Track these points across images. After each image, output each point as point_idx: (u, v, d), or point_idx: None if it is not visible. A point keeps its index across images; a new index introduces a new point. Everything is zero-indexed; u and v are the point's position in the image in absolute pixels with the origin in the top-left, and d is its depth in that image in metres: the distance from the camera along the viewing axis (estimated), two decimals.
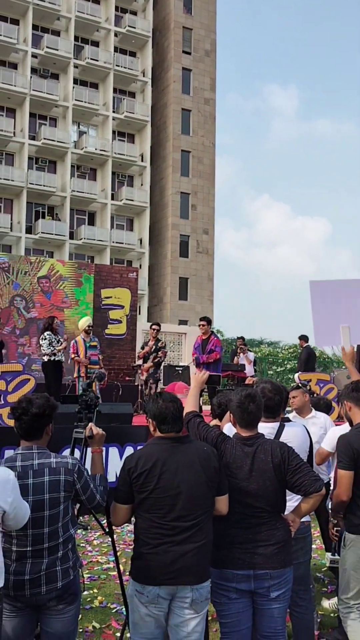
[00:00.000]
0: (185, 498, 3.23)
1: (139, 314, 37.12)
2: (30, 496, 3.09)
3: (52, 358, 11.16)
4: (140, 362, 12.77)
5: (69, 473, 3.22)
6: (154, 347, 12.38)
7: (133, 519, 3.39)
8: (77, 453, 3.91)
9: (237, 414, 3.54)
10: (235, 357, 15.03)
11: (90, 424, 3.71)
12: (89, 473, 3.40)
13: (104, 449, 4.47)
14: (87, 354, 11.46)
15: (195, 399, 4.01)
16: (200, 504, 3.27)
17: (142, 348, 12.65)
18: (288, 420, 4.17)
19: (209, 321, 11.52)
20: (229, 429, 3.80)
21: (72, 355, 11.57)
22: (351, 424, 4.31)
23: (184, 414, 3.72)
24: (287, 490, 3.54)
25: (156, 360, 12.33)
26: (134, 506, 3.32)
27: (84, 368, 11.37)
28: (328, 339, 5.21)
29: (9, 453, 6.60)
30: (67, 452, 3.92)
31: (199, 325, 11.51)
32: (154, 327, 12.85)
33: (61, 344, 11.39)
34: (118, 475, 3.46)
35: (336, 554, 4.74)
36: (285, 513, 3.58)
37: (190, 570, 3.22)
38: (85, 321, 11.86)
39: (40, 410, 3.21)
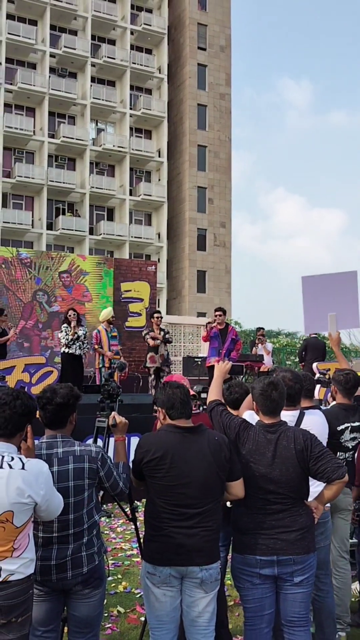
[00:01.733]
0: (195, 487, 3.28)
1: (158, 306, 37.71)
2: (55, 483, 3.11)
3: (67, 350, 11.06)
4: (150, 362, 11.97)
5: (93, 461, 3.26)
6: (161, 335, 11.92)
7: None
8: (99, 442, 3.92)
9: (259, 401, 3.57)
10: (254, 348, 15.08)
11: (113, 412, 3.74)
12: (112, 461, 3.42)
13: (126, 437, 4.87)
14: (109, 344, 11.48)
15: (219, 388, 4.00)
16: (209, 493, 3.32)
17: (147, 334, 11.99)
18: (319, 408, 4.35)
19: (224, 311, 11.49)
20: (250, 416, 3.82)
21: (95, 346, 11.59)
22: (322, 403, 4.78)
23: (208, 402, 3.91)
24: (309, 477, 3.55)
25: (166, 350, 11.94)
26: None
27: (107, 359, 11.36)
28: (316, 325, 5.59)
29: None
30: (90, 441, 3.86)
31: (216, 316, 11.37)
32: (156, 315, 12.25)
33: (77, 337, 11.21)
34: (133, 454, 3.51)
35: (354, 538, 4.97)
36: (309, 500, 3.61)
37: (199, 552, 3.28)
38: (108, 312, 11.86)
39: (64, 399, 3.26)
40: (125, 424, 3.68)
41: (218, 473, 3.36)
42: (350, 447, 4.62)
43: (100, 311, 12.97)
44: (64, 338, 11.10)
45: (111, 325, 11.73)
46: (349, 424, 4.56)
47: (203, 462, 3.30)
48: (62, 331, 11.18)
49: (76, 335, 11.14)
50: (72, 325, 11.20)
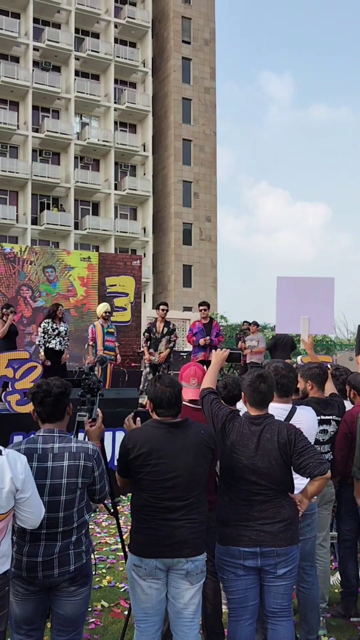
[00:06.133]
0: (181, 481, 3.30)
1: (144, 301, 37.71)
2: (48, 479, 3.11)
3: (47, 346, 10.94)
4: (145, 349, 11.71)
5: (89, 459, 3.23)
6: (165, 329, 11.38)
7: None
8: (80, 437, 3.91)
9: (247, 392, 3.58)
10: (240, 342, 14.90)
11: (96, 408, 3.74)
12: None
13: (111, 433, 4.82)
14: (104, 340, 11.34)
15: (214, 376, 4.00)
16: (194, 487, 3.35)
17: (149, 332, 11.50)
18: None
19: (208, 306, 11.48)
20: (242, 407, 3.86)
21: (90, 343, 11.48)
22: (305, 397, 4.78)
23: (201, 389, 3.91)
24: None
25: (170, 344, 11.40)
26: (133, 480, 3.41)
27: (100, 354, 11.05)
28: (288, 326, 5.68)
29: (17, 439, 6.55)
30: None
31: (200, 310, 11.31)
32: (162, 307, 11.58)
33: (58, 332, 11.09)
34: (118, 451, 3.52)
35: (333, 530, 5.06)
36: (295, 493, 3.62)
37: (185, 544, 3.31)
38: (102, 307, 11.72)
39: (62, 389, 3.24)
40: (102, 430, 3.71)
41: (204, 465, 3.40)
42: (321, 440, 4.67)
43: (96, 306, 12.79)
44: (40, 336, 11.00)
45: (107, 321, 11.60)
46: (320, 417, 4.61)
47: (188, 457, 3.32)
48: (41, 326, 11.05)
49: (57, 331, 11.09)
50: (56, 320, 11.12)
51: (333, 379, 5.28)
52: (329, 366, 5.71)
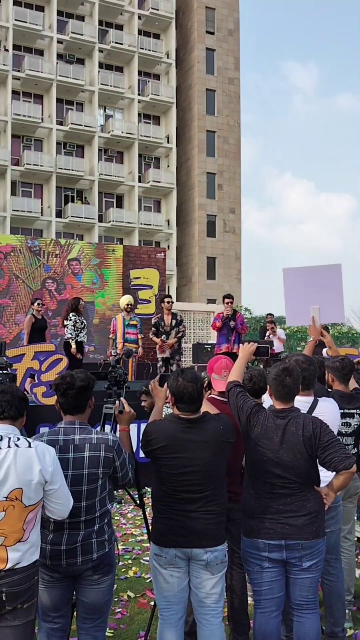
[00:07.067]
0: (198, 475, 3.36)
1: (168, 293, 37.68)
2: (69, 470, 3.17)
3: (76, 339, 11.16)
4: (155, 338, 11.68)
5: (109, 450, 3.28)
6: (173, 322, 11.52)
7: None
8: (107, 429, 3.93)
9: (273, 386, 3.60)
10: (266, 337, 14.63)
11: (121, 398, 3.76)
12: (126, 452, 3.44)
13: (136, 425, 4.83)
14: (124, 332, 11.47)
15: (241, 370, 4.00)
16: (211, 480, 3.41)
17: (156, 327, 11.56)
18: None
19: (233, 298, 11.63)
20: (267, 400, 3.89)
21: (111, 335, 11.67)
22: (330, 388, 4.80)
23: (227, 382, 3.92)
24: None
25: (179, 334, 11.59)
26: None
27: (120, 346, 11.34)
28: (298, 318, 5.57)
29: (43, 430, 7.08)
30: (97, 429, 3.79)
31: (227, 303, 11.38)
32: (167, 300, 11.72)
33: (84, 325, 11.37)
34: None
35: None
36: (321, 486, 3.62)
37: (203, 534, 3.37)
38: (124, 300, 11.86)
39: (84, 383, 3.28)
40: (132, 415, 3.70)
41: (223, 460, 3.46)
42: (344, 432, 4.65)
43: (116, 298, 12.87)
44: (72, 330, 11.19)
45: (130, 314, 11.65)
46: (343, 410, 4.59)
47: (205, 452, 3.37)
48: (70, 319, 11.19)
49: (83, 324, 11.38)
50: (79, 314, 11.37)
51: (355, 373, 5.26)
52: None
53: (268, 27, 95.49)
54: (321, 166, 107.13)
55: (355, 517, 5.67)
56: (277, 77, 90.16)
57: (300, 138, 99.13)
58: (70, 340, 11.19)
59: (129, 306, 11.63)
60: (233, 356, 4.29)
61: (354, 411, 4.69)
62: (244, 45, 79.25)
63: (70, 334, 11.17)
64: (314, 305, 5.20)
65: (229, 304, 11.39)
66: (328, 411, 4.03)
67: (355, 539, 5.65)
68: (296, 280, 5.38)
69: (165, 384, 3.66)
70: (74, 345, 11.10)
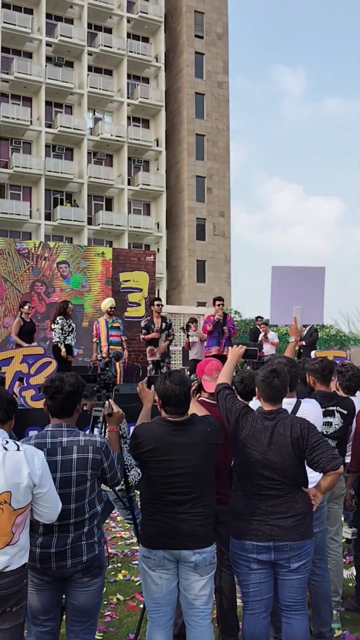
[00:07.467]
0: (187, 478, 3.37)
1: (158, 296, 37.60)
2: (58, 473, 3.17)
3: (64, 342, 11.16)
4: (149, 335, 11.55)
5: (97, 451, 3.27)
6: (163, 325, 11.53)
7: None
8: (95, 432, 3.95)
9: (261, 387, 3.61)
10: (260, 340, 14.65)
11: (109, 401, 3.74)
12: (114, 452, 3.44)
13: (126, 428, 4.85)
14: (108, 335, 11.43)
15: (230, 372, 4.02)
16: (199, 482, 3.42)
17: (147, 329, 11.47)
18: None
19: (223, 301, 11.69)
20: (255, 404, 3.91)
21: (94, 339, 11.62)
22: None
23: (216, 384, 3.93)
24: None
25: (170, 337, 11.58)
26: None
27: (105, 349, 11.32)
28: (281, 317, 5.54)
29: (32, 434, 7.18)
30: (87, 432, 3.74)
31: (219, 305, 11.42)
32: (157, 303, 11.71)
33: (72, 328, 11.37)
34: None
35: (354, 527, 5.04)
36: (309, 487, 3.64)
37: (191, 536, 3.37)
38: (107, 302, 11.80)
39: (73, 387, 3.28)
40: (122, 416, 3.70)
41: (211, 462, 3.46)
42: (325, 432, 4.66)
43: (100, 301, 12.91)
44: (59, 333, 11.18)
45: (113, 317, 11.66)
46: (325, 408, 4.62)
47: (192, 455, 3.38)
48: (57, 323, 11.19)
49: (72, 327, 11.38)
50: (67, 317, 11.37)
51: (339, 375, 5.28)
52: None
53: (257, 32, 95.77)
54: (310, 170, 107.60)
55: (343, 519, 5.71)
56: (266, 81, 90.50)
57: (289, 142, 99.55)
58: (58, 343, 11.18)
59: (113, 309, 11.63)
60: (223, 359, 4.30)
61: (334, 408, 4.72)
62: (233, 49, 79.49)
63: (58, 337, 11.16)
64: (297, 306, 5.22)
65: (220, 306, 11.41)
66: (311, 412, 4.04)
67: (344, 540, 5.71)
68: (283, 279, 5.37)
69: (153, 386, 3.68)
70: (63, 349, 11.09)
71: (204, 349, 13.27)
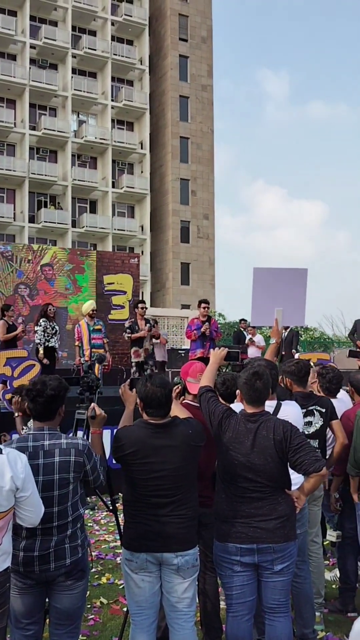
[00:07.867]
0: (167, 480, 3.38)
1: (142, 299, 37.60)
2: (40, 476, 3.16)
3: (46, 344, 11.15)
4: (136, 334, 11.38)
5: (79, 454, 3.28)
6: (147, 326, 11.38)
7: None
8: (79, 434, 3.93)
9: (244, 390, 3.62)
10: (246, 341, 14.76)
11: (93, 404, 3.73)
12: (96, 455, 3.45)
13: (109, 431, 4.83)
14: (90, 337, 11.42)
15: (212, 375, 4.03)
16: (181, 484, 3.42)
17: (131, 329, 11.32)
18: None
19: (209, 303, 11.59)
20: (237, 407, 3.94)
21: (77, 343, 11.56)
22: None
23: (199, 387, 3.94)
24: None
25: (153, 340, 11.52)
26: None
27: (87, 352, 11.28)
28: (262, 318, 5.51)
29: (15, 437, 7.23)
30: (70, 435, 3.75)
31: (204, 308, 11.31)
32: (141, 305, 11.59)
33: (56, 331, 11.35)
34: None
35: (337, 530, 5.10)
36: (292, 489, 3.64)
37: (173, 539, 3.37)
38: (88, 305, 11.76)
39: (55, 391, 3.27)
40: (104, 418, 3.68)
41: (192, 464, 3.46)
42: (306, 432, 4.69)
43: (83, 304, 12.86)
44: (41, 335, 11.14)
45: (94, 319, 11.63)
46: (305, 409, 4.67)
47: (174, 457, 3.38)
48: (40, 325, 11.15)
49: (55, 329, 11.34)
50: (50, 319, 11.32)
51: (319, 377, 5.31)
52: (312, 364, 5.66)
53: (241, 35, 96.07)
54: (293, 173, 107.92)
55: (327, 521, 5.75)
56: (249, 84, 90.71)
57: (273, 145, 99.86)
58: (39, 346, 11.14)
59: (94, 312, 11.61)
60: (208, 361, 4.32)
61: (313, 407, 4.76)
62: (217, 52, 79.80)
63: (40, 339, 11.12)
64: (278, 307, 5.23)
65: (206, 308, 11.40)
66: (292, 414, 4.05)
67: (328, 542, 5.74)
68: (264, 281, 5.35)
69: (135, 389, 3.68)
70: (41, 351, 11.04)
71: (165, 351, 13.18)
